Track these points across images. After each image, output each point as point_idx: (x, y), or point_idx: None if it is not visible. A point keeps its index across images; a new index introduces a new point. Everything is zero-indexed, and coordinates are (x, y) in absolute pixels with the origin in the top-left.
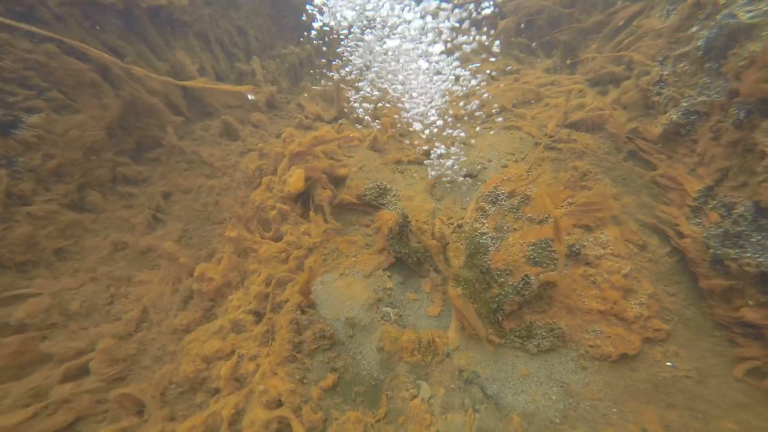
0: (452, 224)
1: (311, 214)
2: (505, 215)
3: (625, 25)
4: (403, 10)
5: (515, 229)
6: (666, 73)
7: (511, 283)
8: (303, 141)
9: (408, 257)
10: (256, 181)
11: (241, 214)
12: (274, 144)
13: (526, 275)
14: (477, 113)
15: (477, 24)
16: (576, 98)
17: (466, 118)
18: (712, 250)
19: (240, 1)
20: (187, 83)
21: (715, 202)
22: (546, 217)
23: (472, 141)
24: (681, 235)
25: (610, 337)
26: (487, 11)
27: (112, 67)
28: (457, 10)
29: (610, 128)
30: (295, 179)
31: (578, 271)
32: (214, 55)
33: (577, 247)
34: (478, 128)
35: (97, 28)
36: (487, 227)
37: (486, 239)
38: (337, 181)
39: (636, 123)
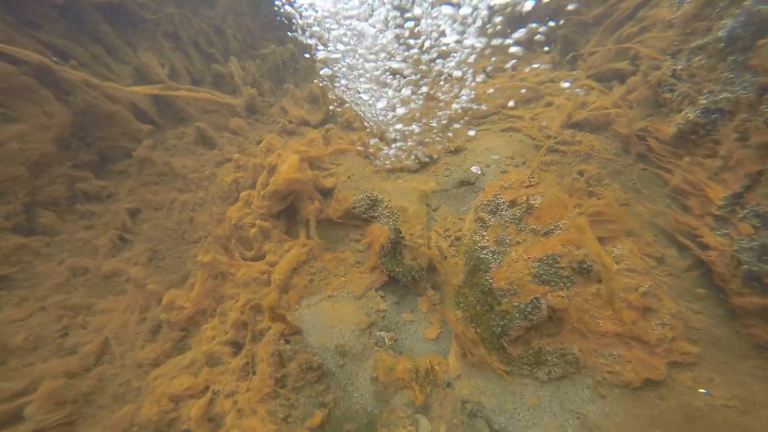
0: (449, 237)
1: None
2: (507, 227)
3: (629, 16)
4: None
5: (518, 242)
6: (679, 67)
7: (515, 304)
8: (285, 153)
9: (402, 276)
10: (233, 196)
11: (218, 233)
12: (254, 152)
13: (536, 298)
14: (472, 114)
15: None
16: (582, 95)
17: (460, 120)
18: (746, 266)
19: None
20: (137, 89)
21: (746, 211)
22: (552, 229)
23: (468, 144)
24: (705, 247)
25: (630, 362)
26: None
27: (58, 71)
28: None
29: (617, 128)
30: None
31: (590, 290)
32: (187, 56)
33: (588, 263)
34: (473, 131)
35: (31, 25)
36: (488, 240)
37: (486, 254)
38: (324, 193)
39: (645, 122)
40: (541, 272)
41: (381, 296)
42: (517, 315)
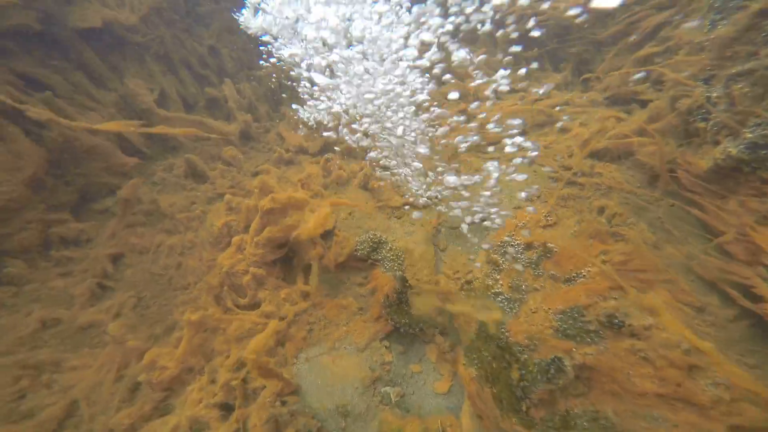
0: (459, 279)
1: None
2: (523, 271)
3: (649, 36)
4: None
5: (536, 290)
6: (715, 95)
7: (536, 361)
8: (278, 197)
9: (410, 328)
10: (224, 241)
11: (212, 283)
12: (248, 185)
13: (558, 358)
14: (480, 142)
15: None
16: (603, 124)
17: (467, 147)
18: None
19: (210, 18)
20: (108, 126)
21: None
22: (574, 276)
23: (476, 176)
24: (757, 299)
25: (678, 425)
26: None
27: (19, 109)
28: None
29: (642, 158)
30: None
31: (622, 345)
32: (179, 79)
33: (619, 316)
34: (481, 160)
35: (1, 53)
36: (502, 286)
37: (501, 302)
38: (323, 234)
39: (674, 154)
40: (565, 326)
41: (386, 346)
42: (539, 376)
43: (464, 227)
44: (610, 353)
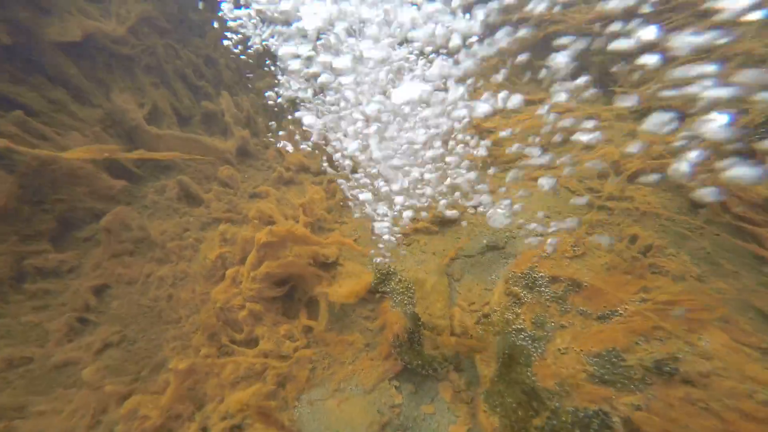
0: (476, 312)
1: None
2: (548, 306)
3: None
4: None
5: (563, 327)
6: None
7: (569, 409)
8: (276, 230)
9: (422, 369)
10: (218, 274)
11: (208, 322)
12: (245, 209)
13: (602, 411)
14: (495, 160)
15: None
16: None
17: (481, 166)
18: None
19: (207, 26)
20: (77, 154)
21: None
22: (609, 313)
23: (493, 198)
24: None
25: None
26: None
27: None
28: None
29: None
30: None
31: (675, 394)
32: (173, 92)
33: (672, 365)
34: (498, 180)
35: None
36: (524, 321)
37: (524, 339)
38: (327, 265)
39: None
40: (602, 371)
41: (395, 387)
42: (577, 431)
43: (477, 254)
44: (661, 401)
